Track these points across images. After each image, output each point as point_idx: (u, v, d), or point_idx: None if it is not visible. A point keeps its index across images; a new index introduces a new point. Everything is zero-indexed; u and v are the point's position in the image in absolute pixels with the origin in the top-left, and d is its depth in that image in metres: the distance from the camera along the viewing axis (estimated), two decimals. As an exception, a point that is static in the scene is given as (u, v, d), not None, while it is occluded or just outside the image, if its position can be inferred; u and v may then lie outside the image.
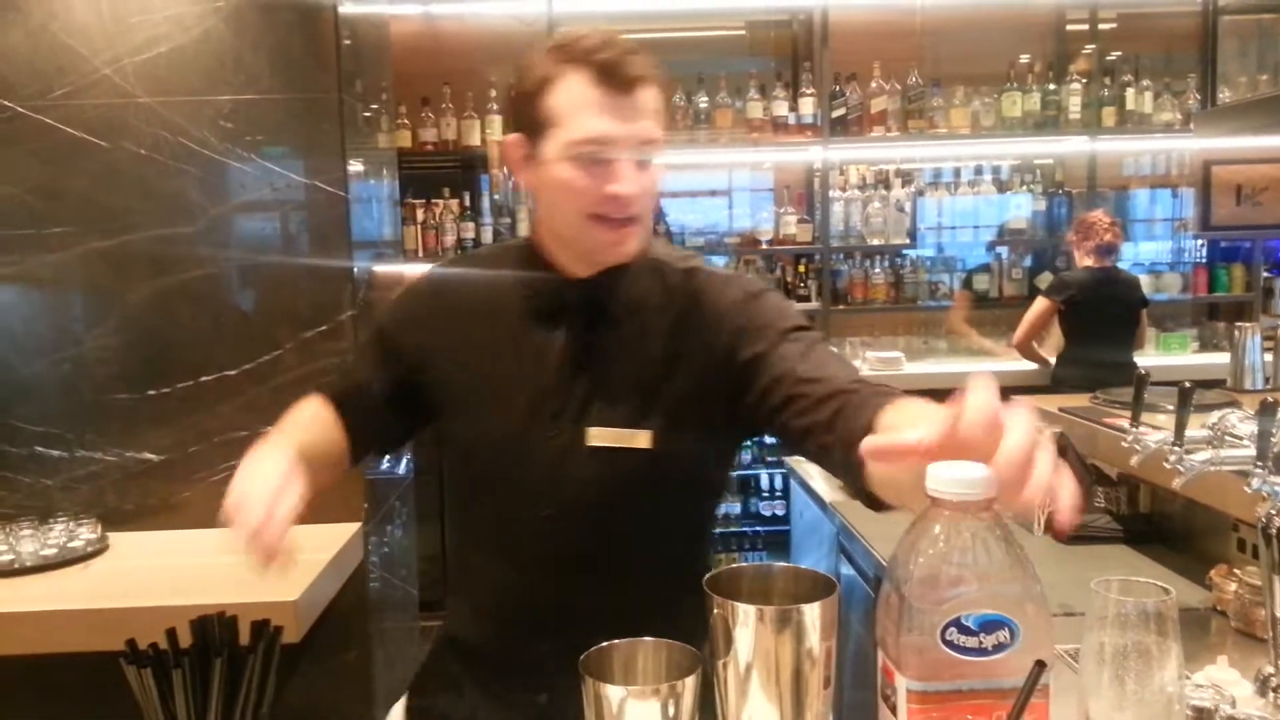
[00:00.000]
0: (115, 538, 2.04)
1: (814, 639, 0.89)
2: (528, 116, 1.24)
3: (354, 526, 2.10)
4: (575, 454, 1.27)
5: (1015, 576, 0.72)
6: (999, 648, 0.71)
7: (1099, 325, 4.29)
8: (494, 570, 1.35)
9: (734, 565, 1.00)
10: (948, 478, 0.73)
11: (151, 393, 2.10)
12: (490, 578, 1.36)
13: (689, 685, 0.89)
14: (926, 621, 0.72)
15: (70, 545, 1.94)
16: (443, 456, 1.42)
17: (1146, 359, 4.46)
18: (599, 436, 1.27)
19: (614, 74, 1.18)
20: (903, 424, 0.96)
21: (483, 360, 1.33)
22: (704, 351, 1.28)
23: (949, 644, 0.71)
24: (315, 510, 2.09)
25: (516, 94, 1.26)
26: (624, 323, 1.30)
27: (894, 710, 0.77)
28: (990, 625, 0.71)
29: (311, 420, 1.37)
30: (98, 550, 1.97)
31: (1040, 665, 0.76)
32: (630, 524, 1.28)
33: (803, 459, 2.86)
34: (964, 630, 0.71)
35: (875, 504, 1.06)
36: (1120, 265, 4.54)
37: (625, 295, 1.30)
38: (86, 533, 1.98)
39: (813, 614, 0.89)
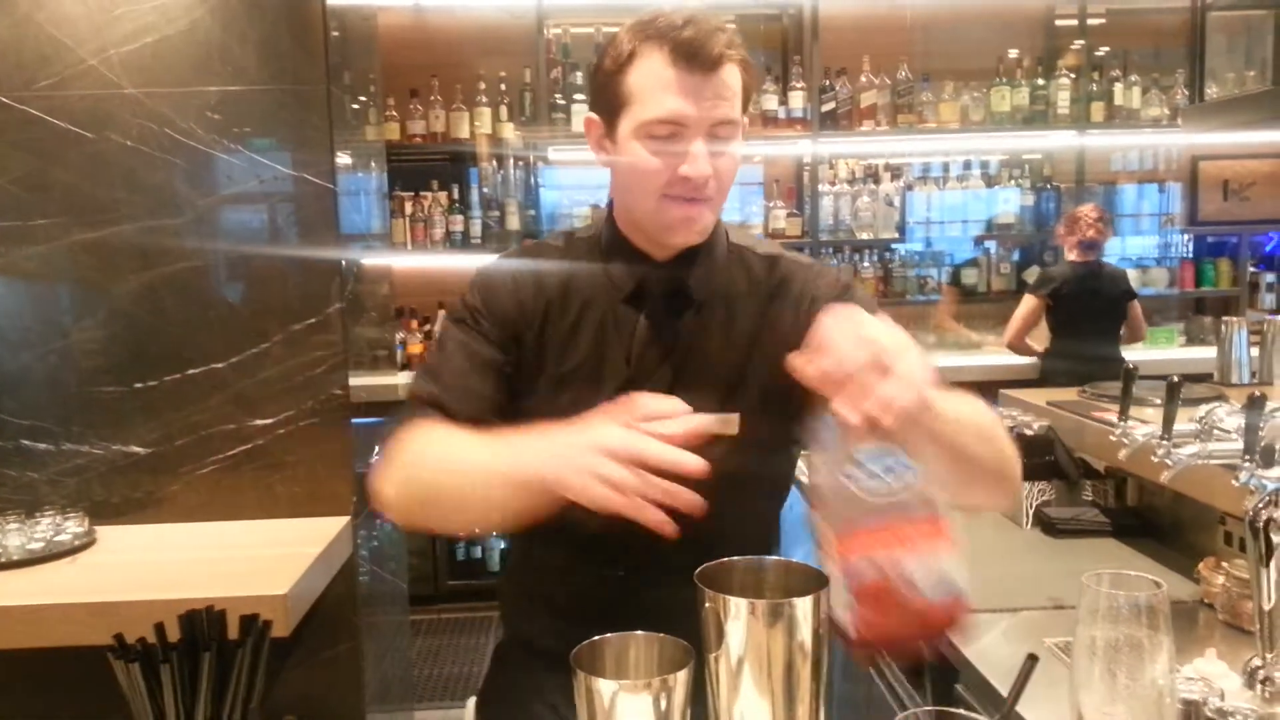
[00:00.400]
0: (103, 531, 2.02)
1: (805, 632, 0.89)
2: (605, 95, 1.22)
3: (343, 520, 2.09)
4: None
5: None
6: (901, 486, 0.85)
7: (1084, 319, 4.32)
8: (559, 564, 1.32)
9: (725, 559, 1.00)
10: None
11: (138, 385, 2.09)
12: (554, 572, 1.33)
13: (680, 679, 0.88)
14: (840, 470, 0.87)
15: (57, 539, 1.93)
16: None
17: (1133, 353, 4.48)
18: None
19: (692, 52, 1.15)
20: None
21: (565, 348, 1.29)
22: (791, 336, 1.23)
23: (852, 481, 0.87)
24: (304, 504, 2.11)
25: (596, 71, 1.25)
26: (709, 307, 1.28)
27: (829, 553, 0.91)
28: (889, 465, 0.86)
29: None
30: (85, 544, 1.95)
31: (1033, 659, 0.76)
32: (708, 516, 1.24)
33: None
34: (868, 472, 0.86)
35: None
36: (1107, 259, 4.56)
37: (710, 279, 1.29)
38: (73, 526, 1.97)
39: (804, 607, 0.89)
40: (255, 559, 1.88)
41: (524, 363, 1.31)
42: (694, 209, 1.22)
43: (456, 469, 1.19)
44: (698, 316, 1.28)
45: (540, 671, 1.35)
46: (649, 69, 1.17)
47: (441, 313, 4.92)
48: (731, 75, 1.19)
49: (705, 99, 1.16)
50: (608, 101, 1.22)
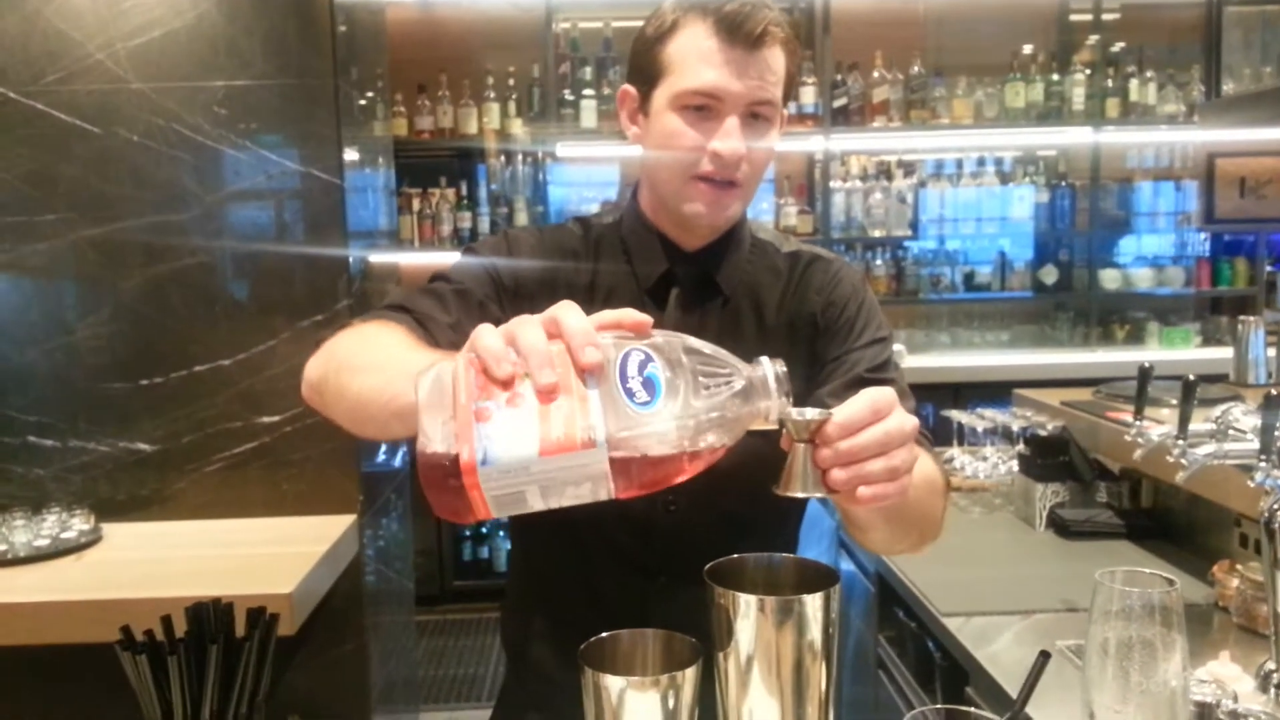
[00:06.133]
0: (109, 529, 2.02)
1: (815, 631, 0.87)
2: (642, 65, 1.19)
3: (349, 518, 2.08)
4: None
5: None
6: None
7: None
8: (587, 580, 1.25)
9: (736, 555, 0.98)
10: None
11: (145, 382, 2.09)
12: (581, 588, 1.26)
13: (689, 677, 0.87)
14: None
15: (63, 536, 1.93)
16: None
17: (1149, 354, 4.44)
18: None
19: (736, 25, 1.11)
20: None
21: None
22: (810, 335, 1.25)
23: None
24: (310, 502, 2.10)
25: (637, 42, 1.20)
26: (734, 301, 1.25)
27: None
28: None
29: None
30: (91, 541, 1.95)
31: (1045, 655, 0.75)
32: (757, 514, 1.17)
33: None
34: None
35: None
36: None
37: (737, 270, 1.26)
38: (80, 523, 1.97)
39: (814, 605, 0.87)
40: (261, 557, 1.87)
41: None
42: (724, 193, 1.17)
43: (373, 359, 1.02)
44: (728, 307, 1.25)
45: (535, 692, 1.30)
46: (690, 39, 1.13)
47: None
48: (775, 57, 1.14)
49: (746, 75, 1.12)
50: (645, 72, 1.18)
